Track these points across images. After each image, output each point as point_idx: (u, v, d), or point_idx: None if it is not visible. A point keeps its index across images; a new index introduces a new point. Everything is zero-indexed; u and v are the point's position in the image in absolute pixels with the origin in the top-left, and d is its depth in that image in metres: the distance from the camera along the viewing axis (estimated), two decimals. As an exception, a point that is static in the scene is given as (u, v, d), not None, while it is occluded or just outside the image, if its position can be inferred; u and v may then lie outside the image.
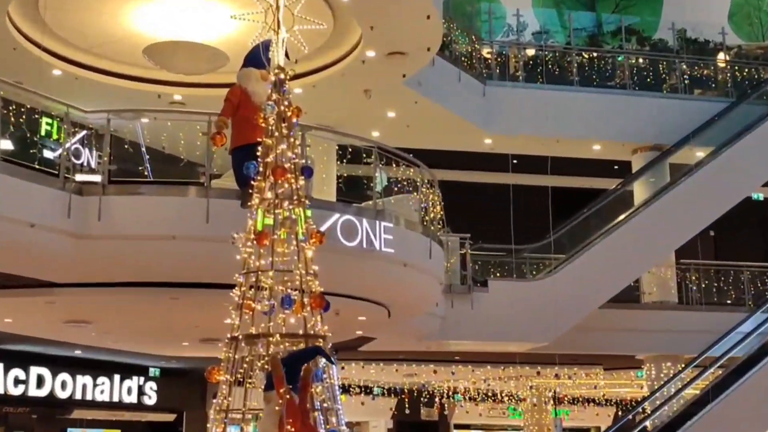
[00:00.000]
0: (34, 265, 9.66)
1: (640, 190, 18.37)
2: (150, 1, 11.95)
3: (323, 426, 6.49)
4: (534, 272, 17.51)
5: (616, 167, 20.49)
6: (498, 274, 17.46)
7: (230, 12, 10.71)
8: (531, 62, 19.08)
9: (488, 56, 18.58)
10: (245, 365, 6.60)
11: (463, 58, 17.18)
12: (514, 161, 18.78)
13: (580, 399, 28.13)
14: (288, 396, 6.18)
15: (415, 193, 12.75)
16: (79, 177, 10.01)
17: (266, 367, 6.41)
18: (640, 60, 19.73)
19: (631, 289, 18.06)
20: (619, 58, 19.54)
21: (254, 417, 6.58)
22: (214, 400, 6.66)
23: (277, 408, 6.23)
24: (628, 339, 17.71)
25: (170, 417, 21.60)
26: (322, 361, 6.60)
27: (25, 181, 8.98)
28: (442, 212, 13.34)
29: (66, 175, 9.60)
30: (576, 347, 17.39)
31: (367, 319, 12.76)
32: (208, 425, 6.67)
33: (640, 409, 17.50)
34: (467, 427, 30.67)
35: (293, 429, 6.13)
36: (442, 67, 15.71)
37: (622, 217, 17.45)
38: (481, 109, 17.29)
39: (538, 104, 17.71)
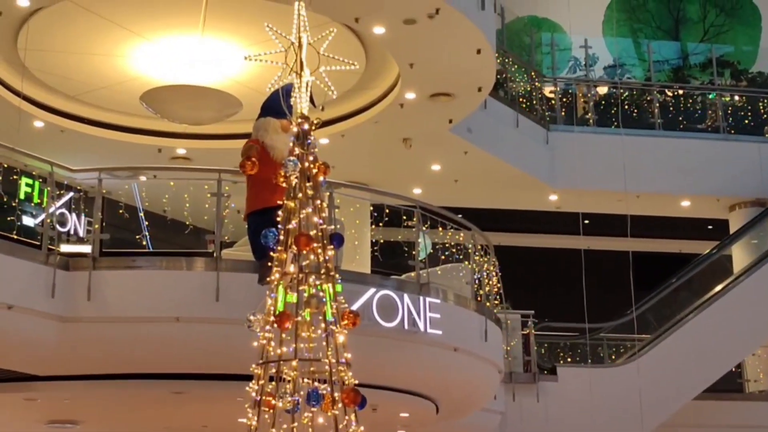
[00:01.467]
0: (12, 355, 9.73)
1: (740, 255, 18.23)
2: (149, 40, 12.19)
3: None
4: (613, 356, 17.35)
5: (710, 227, 20.38)
6: (569, 360, 17.34)
7: (243, 52, 10.91)
8: (603, 102, 19.16)
9: (551, 96, 18.68)
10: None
11: (521, 99, 17.29)
12: (586, 222, 18.74)
13: None
14: None
15: (467, 263, 12.74)
16: (65, 248, 10.12)
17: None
18: (736, 97, 19.73)
19: (733, 376, 17.83)
20: (711, 96, 19.55)
21: None
22: None
23: None
24: (730, 436, 17.46)
25: None
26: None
27: None
28: (499, 285, 13.31)
29: (50, 247, 9.69)
30: (666, 448, 17.16)
31: (411, 416, 12.68)
32: None
33: None
34: None
35: None
36: (496, 110, 15.82)
37: (719, 287, 17.30)
38: (544, 159, 17.33)
39: (613, 153, 17.72)
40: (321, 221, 7.17)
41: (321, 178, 7.30)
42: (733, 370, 17.67)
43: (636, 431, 15.75)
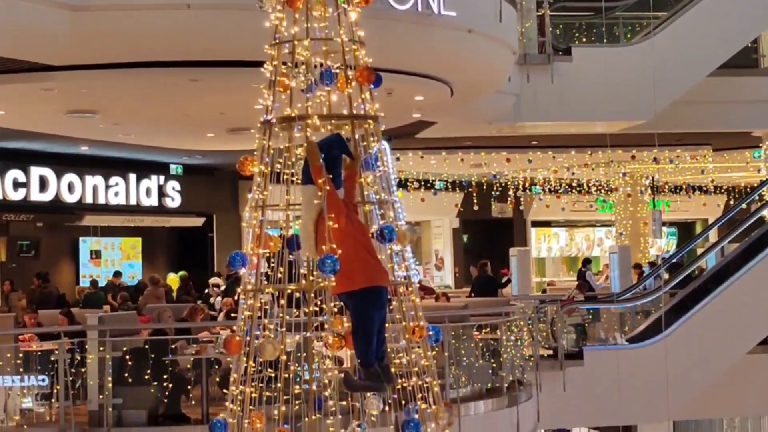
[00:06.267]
0: (26, 45, 9.76)
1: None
2: None
3: (378, 221, 6.62)
4: (628, 35, 17.24)
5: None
6: (584, 39, 17.22)
7: None
8: None
9: None
10: (285, 154, 6.67)
11: None
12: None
13: (684, 187, 28.30)
14: (328, 188, 6.27)
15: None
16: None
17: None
18: None
19: (747, 51, 17.73)
20: None
21: (297, 217, 6.73)
22: (250, 195, 6.77)
23: (316, 202, 6.35)
24: (743, 112, 17.55)
25: (198, 221, 22.25)
26: (375, 145, 6.66)
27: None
28: (513, -37, 13.09)
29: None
30: (679, 124, 17.31)
31: (426, 99, 12.80)
32: (243, 225, 6.83)
33: (756, 196, 17.58)
34: (547, 224, 31.19)
35: (337, 226, 6.25)
36: None
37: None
38: None
39: None
40: None
41: None
42: (749, 45, 17.54)
43: (650, 107, 15.83)
